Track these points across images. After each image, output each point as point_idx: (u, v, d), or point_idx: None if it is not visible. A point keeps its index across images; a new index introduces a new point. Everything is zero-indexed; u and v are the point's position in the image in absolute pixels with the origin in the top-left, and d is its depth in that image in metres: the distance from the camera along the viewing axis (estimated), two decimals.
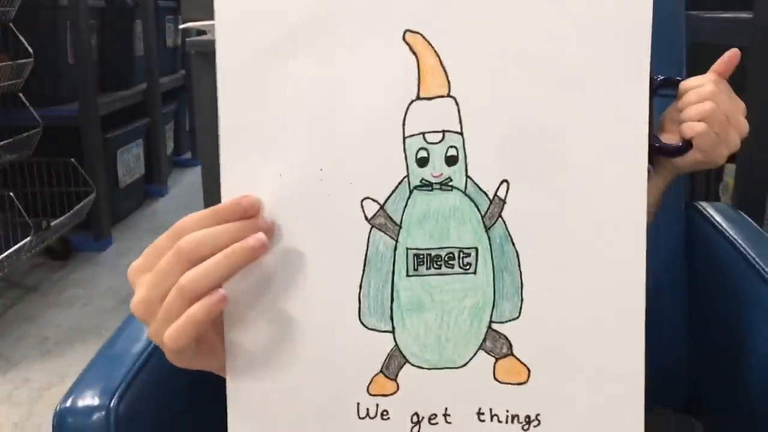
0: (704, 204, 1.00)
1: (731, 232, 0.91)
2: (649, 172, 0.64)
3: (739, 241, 0.88)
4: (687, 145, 0.66)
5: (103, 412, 0.66)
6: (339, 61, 0.44)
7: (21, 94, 2.52)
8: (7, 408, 1.81)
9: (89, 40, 2.85)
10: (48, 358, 2.06)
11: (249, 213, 0.44)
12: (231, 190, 0.44)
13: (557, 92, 0.44)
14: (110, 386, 0.68)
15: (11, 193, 2.40)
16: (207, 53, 1.64)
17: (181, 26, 1.91)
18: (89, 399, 0.67)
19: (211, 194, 1.67)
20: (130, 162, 3.20)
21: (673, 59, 0.95)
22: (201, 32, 1.95)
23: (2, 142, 2.39)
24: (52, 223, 2.51)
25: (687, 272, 0.98)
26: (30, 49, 2.48)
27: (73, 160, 2.70)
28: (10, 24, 2.48)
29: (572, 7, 0.43)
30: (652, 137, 0.67)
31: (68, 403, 0.67)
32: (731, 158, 0.68)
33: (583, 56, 0.44)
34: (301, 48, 0.44)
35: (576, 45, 0.44)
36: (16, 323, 2.26)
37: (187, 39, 1.78)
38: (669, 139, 0.68)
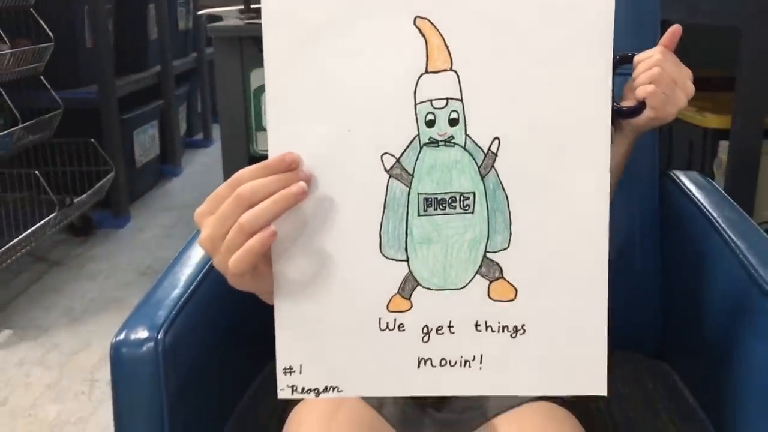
0: (678, 172, 1.10)
1: (698, 197, 1.02)
2: (611, 133, 0.76)
3: (705, 205, 0.99)
4: (641, 105, 0.77)
5: (152, 343, 0.76)
6: (362, 43, 0.55)
7: (42, 77, 2.59)
8: (40, 370, 1.93)
9: (106, 24, 2.92)
10: (75, 325, 2.18)
11: (292, 167, 0.55)
12: (277, 148, 0.56)
13: (538, 66, 0.55)
14: (156, 322, 0.78)
15: (36, 172, 2.51)
16: (227, 38, 1.74)
17: (199, 12, 2.01)
18: (140, 332, 0.77)
19: (231, 166, 1.76)
20: (146, 142, 3.30)
21: (648, 37, 1.05)
22: (214, 17, 2.05)
23: (25, 124, 2.47)
24: (75, 201, 2.62)
25: (660, 231, 1.08)
26: (50, 34, 2.56)
27: (92, 140, 2.79)
28: (31, 9, 2.56)
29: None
30: (612, 104, 0.78)
31: (122, 337, 0.77)
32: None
33: (558, 37, 0.55)
34: (330, 33, 0.55)
35: (552, 28, 0.54)
36: (44, 294, 2.38)
37: (207, 25, 1.87)
38: (627, 104, 0.79)
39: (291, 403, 0.79)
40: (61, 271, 2.56)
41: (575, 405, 0.80)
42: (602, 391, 0.58)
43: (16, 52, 2.43)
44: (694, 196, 1.02)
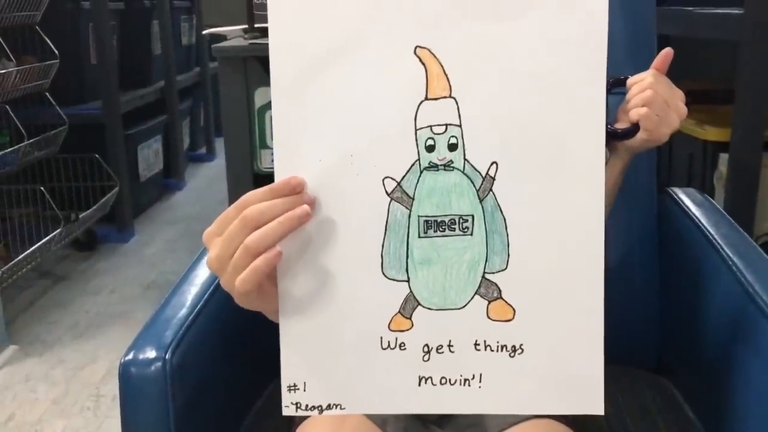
0: (676, 189, 1.12)
1: (696, 214, 1.03)
2: (606, 155, 0.77)
3: (703, 222, 1.00)
4: (635, 127, 0.79)
5: (160, 363, 0.78)
6: (365, 71, 0.57)
7: (47, 94, 2.62)
8: (45, 386, 1.94)
9: (110, 40, 2.96)
10: (80, 340, 2.19)
11: (296, 190, 0.57)
12: (282, 172, 0.58)
13: (534, 92, 0.57)
14: (164, 342, 0.80)
15: (41, 188, 2.53)
16: (232, 58, 1.76)
17: (204, 32, 2.03)
18: (148, 352, 0.79)
19: (234, 183, 1.79)
20: (150, 157, 3.33)
21: (645, 52, 1.07)
22: (218, 36, 2.07)
23: (31, 140, 2.49)
24: (80, 216, 2.64)
25: (659, 248, 1.10)
26: (55, 51, 2.58)
27: (97, 155, 2.82)
28: (36, 27, 2.59)
29: (544, 27, 0.56)
30: (607, 126, 0.79)
31: (130, 356, 0.79)
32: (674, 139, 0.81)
33: (552, 63, 0.56)
34: (335, 62, 0.57)
35: (547, 55, 0.56)
36: (49, 309, 2.40)
37: (212, 45, 1.89)
38: (621, 126, 0.81)
39: (296, 421, 0.80)
40: (66, 286, 2.58)
41: (575, 421, 0.81)
42: (599, 410, 0.60)
43: (22, 69, 2.45)
44: (693, 213, 1.04)
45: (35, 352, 2.12)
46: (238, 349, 0.96)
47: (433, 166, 0.58)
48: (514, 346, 0.60)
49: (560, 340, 0.59)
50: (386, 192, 0.58)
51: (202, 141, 4.43)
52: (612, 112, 0.81)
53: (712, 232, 0.97)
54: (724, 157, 1.97)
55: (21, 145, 2.45)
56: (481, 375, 0.60)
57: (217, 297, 0.90)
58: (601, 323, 0.58)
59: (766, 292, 0.82)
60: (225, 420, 0.94)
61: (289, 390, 0.61)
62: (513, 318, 0.59)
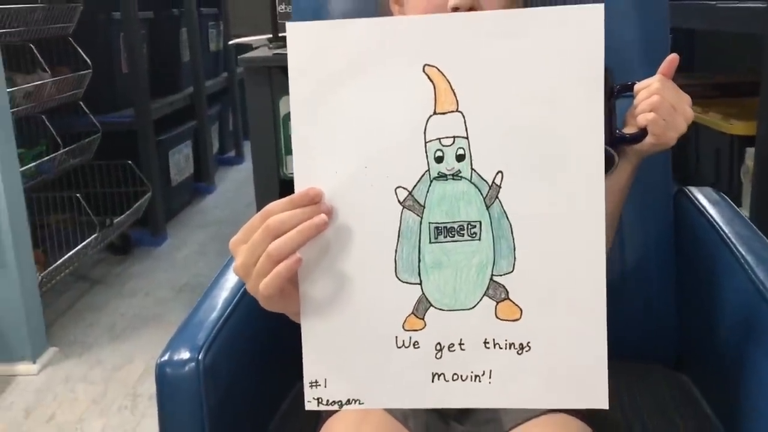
0: (692, 188, 1.14)
1: (711, 213, 1.05)
2: (615, 159, 0.80)
3: (717, 221, 1.02)
4: (643, 132, 0.81)
5: (194, 364, 0.82)
6: (377, 88, 0.61)
7: (81, 103, 2.70)
8: (84, 386, 2.01)
9: (141, 49, 3.02)
10: (117, 342, 2.26)
11: (315, 200, 0.62)
12: (301, 183, 0.62)
13: (536, 104, 0.60)
14: (197, 344, 0.85)
15: (77, 195, 2.61)
16: (257, 68, 1.82)
17: (231, 42, 2.08)
18: (182, 354, 0.83)
19: (261, 188, 1.84)
20: (181, 162, 3.39)
21: (659, 52, 1.09)
22: (243, 46, 2.13)
23: (66, 148, 2.57)
24: (114, 221, 2.71)
25: (675, 246, 1.12)
26: (88, 61, 2.66)
27: (129, 162, 2.90)
28: (70, 38, 2.66)
29: (543, 44, 0.60)
30: (615, 131, 0.82)
31: (165, 358, 0.83)
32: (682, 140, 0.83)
33: (553, 77, 0.60)
34: (349, 79, 0.61)
35: (547, 71, 0.60)
36: (87, 312, 2.47)
37: (238, 56, 1.94)
38: (629, 130, 0.83)
39: (322, 420, 0.85)
40: (102, 289, 2.65)
41: (591, 416, 0.84)
42: (603, 404, 0.63)
43: (57, 80, 2.53)
44: (708, 212, 1.06)
45: (74, 354, 2.19)
46: (266, 350, 1.01)
47: (442, 176, 0.62)
48: (521, 344, 0.63)
49: (565, 338, 0.63)
50: (398, 201, 0.62)
51: (231, 144, 4.49)
52: (620, 117, 0.84)
53: (726, 230, 0.99)
54: (750, 152, 1.97)
55: (57, 153, 2.53)
56: (490, 371, 0.64)
57: (246, 301, 0.95)
58: (603, 321, 0.62)
59: None
60: (255, 418, 0.98)
61: (311, 386, 0.65)
62: (520, 318, 0.63)
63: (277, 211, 0.62)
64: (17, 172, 2.09)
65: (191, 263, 2.85)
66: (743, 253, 0.94)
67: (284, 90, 1.64)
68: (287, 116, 1.68)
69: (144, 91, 2.97)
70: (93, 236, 2.52)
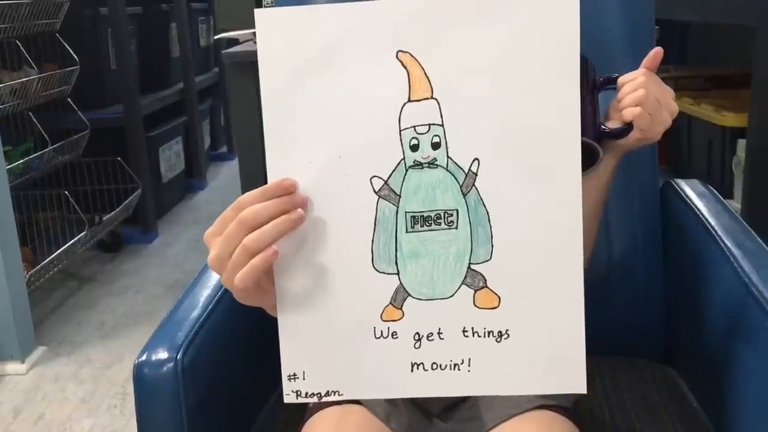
0: (679, 181, 1.12)
1: (698, 205, 1.04)
2: (600, 154, 0.79)
3: (703, 212, 1.01)
4: (628, 127, 0.79)
5: (172, 364, 0.81)
6: (349, 76, 0.60)
7: (69, 99, 2.67)
8: (73, 385, 2.00)
9: (129, 45, 3.00)
10: (107, 340, 2.25)
11: (289, 191, 0.60)
12: (275, 174, 0.61)
13: (511, 91, 0.59)
14: (176, 344, 0.83)
15: (66, 192, 2.59)
16: (241, 63, 1.80)
17: (216, 36, 2.07)
18: (160, 354, 0.82)
19: (248, 183, 1.82)
20: (171, 158, 3.37)
21: (644, 45, 1.08)
22: (233, 40, 2.11)
23: (54, 145, 2.55)
24: (104, 218, 2.70)
25: (662, 239, 1.11)
26: (75, 57, 2.64)
27: (119, 158, 2.87)
28: (57, 34, 2.64)
29: (518, 31, 0.59)
30: (600, 125, 0.80)
31: (143, 358, 0.82)
32: (665, 135, 0.82)
33: (528, 63, 0.59)
34: (321, 67, 0.60)
35: (521, 58, 0.59)
36: (77, 310, 2.45)
37: (222, 51, 1.93)
38: (613, 124, 0.81)
39: (304, 420, 0.83)
40: (93, 287, 2.64)
41: (577, 412, 0.83)
42: (582, 389, 0.63)
43: (44, 76, 2.51)
44: (694, 204, 1.05)
45: (63, 353, 2.17)
46: (248, 349, 1.00)
47: (417, 164, 0.60)
48: (500, 332, 0.62)
49: (543, 325, 0.62)
50: (374, 190, 0.61)
51: (222, 140, 4.47)
52: (602, 109, 0.82)
53: (713, 223, 0.98)
54: (742, 143, 1.97)
55: (45, 150, 2.51)
56: (470, 359, 0.63)
57: (227, 299, 0.93)
58: (581, 308, 0.61)
59: (762, 283, 0.83)
60: (237, 418, 0.97)
61: (290, 379, 0.64)
62: (498, 305, 0.62)
63: (251, 202, 0.60)
64: (3, 170, 2.07)
65: (182, 260, 2.84)
66: (729, 245, 0.93)
67: None
68: None
69: (133, 87, 2.95)
70: (82, 234, 2.51)
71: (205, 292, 0.94)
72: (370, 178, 0.61)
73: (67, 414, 1.87)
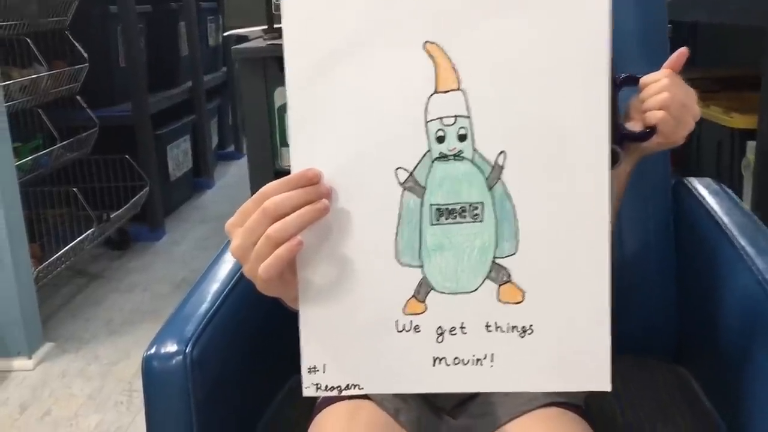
0: (691, 179, 1.11)
1: (710, 203, 1.03)
2: (619, 156, 0.78)
3: (717, 212, 1.00)
4: (651, 130, 0.78)
5: (181, 357, 0.80)
6: (376, 66, 0.60)
7: (78, 97, 2.68)
8: (81, 382, 2.00)
9: (138, 43, 3.00)
10: (114, 337, 2.24)
11: (313, 181, 0.60)
12: (299, 164, 0.60)
13: (539, 83, 0.59)
14: (185, 337, 0.82)
15: (74, 189, 2.59)
16: (251, 59, 1.80)
17: (225, 33, 2.07)
18: (169, 347, 0.81)
19: (257, 180, 1.82)
20: (179, 157, 3.37)
21: (658, 45, 1.07)
22: (241, 37, 2.11)
23: (63, 143, 2.56)
24: (112, 216, 2.70)
25: (675, 237, 1.10)
26: (85, 55, 2.65)
27: (127, 156, 2.87)
28: (66, 32, 2.65)
29: (547, 23, 0.58)
30: (620, 126, 0.78)
31: (152, 351, 0.81)
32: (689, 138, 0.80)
33: (556, 55, 0.58)
34: (347, 58, 0.60)
35: (550, 50, 0.58)
36: (84, 307, 2.45)
37: (232, 48, 1.93)
38: (634, 126, 0.79)
39: (313, 415, 0.83)
40: (101, 284, 2.64)
41: (588, 410, 0.82)
42: (606, 386, 0.62)
43: (54, 73, 2.51)
44: (707, 202, 1.04)
45: (71, 349, 2.17)
46: (258, 343, 0.99)
47: (443, 157, 0.60)
48: (524, 327, 0.62)
49: (568, 321, 0.61)
50: (399, 182, 0.60)
51: (230, 139, 4.47)
52: (621, 108, 0.81)
53: (726, 221, 0.97)
54: (751, 145, 1.95)
55: (53, 147, 2.51)
56: (492, 355, 0.62)
57: (237, 293, 0.93)
58: (607, 304, 0.60)
59: None
60: (245, 413, 0.96)
61: (310, 371, 0.63)
62: (522, 300, 0.61)
63: (274, 192, 0.60)
64: (12, 166, 2.07)
65: (190, 258, 2.84)
66: (743, 243, 0.92)
67: (279, 81, 1.63)
68: (282, 107, 1.67)
69: (142, 85, 2.96)
70: (90, 231, 2.50)
71: (213, 287, 0.93)
72: (395, 170, 0.60)
73: (74, 410, 1.86)
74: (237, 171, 4.13)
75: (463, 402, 0.85)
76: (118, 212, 2.74)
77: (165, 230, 3.10)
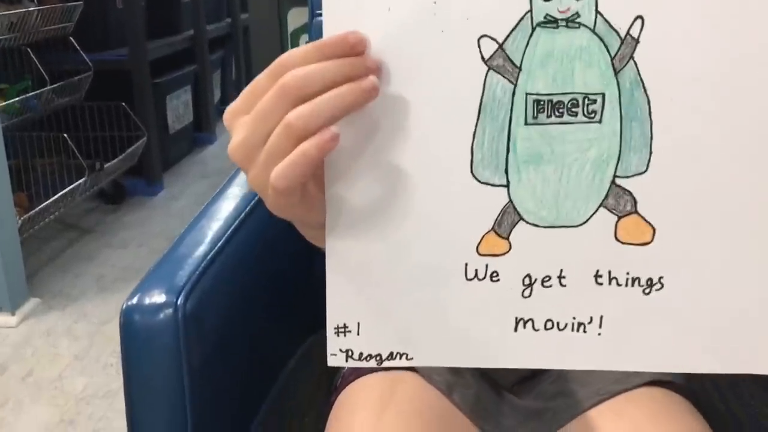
0: None
1: None
2: None
3: None
4: None
5: (171, 309, 0.63)
6: None
7: (71, 38, 2.51)
8: (67, 341, 1.85)
9: None
10: (105, 294, 2.09)
11: (356, 50, 0.40)
12: (335, 25, 0.41)
13: None
14: (176, 284, 0.65)
15: (65, 135, 2.42)
16: None
17: None
18: (156, 297, 0.64)
19: None
20: (179, 108, 3.20)
21: None
22: None
23: (54, 85, 2.40)
24: (105, 166, 2.53)
25: None
26: None
27: (123, 104, 2.70)
28: None
29: None
30: None
31: (134, 301, 0.64)
32: None
33: None
34: None
35: None
36: (74, 262, 2.29)
37: None
38: None
39: (336, 386, 0.65)
40: (93, 238, 2.48)
41: (695, 393, 0.64)
42: (765, 369, 0.44)
43: (44, 10, 2.34)
44: None
45: (58, 306, 2.02)
46: (267, 295, 0.81)
47: (550, 21, 0.40)
48: (650, 280, 0.43)
49: (715, 274, 0.42)
50: (482, 58, 0.41)
51: (233, 95, 4.28)
52: None
53: None
54: None
55: (43, 90, 2.35)
56: (601, 318, 0.44)
57: (242, 232, 0.75)
58: None
59: None
60: (251, 382, 0.78)
61: (337, 333, 0.45)
62: (651, 241, 0.43)
63: (298, 63, 0.40)
64: None
65: (188, 214, 2.66)
66: None
67: (293, 1, 1.43)
68: (297, 32, 1.47)
69: (140, 29, 2.78)
70: (81, 180, 2.33)
71: (214, 225, 0.75)
72: (478, 39, 0.41)
73: (59, 371, 1.71)
74: None
75: (529, 377, 0.66)
76: (112, 162, 2.57)
77: (163, 185, 2.94)
